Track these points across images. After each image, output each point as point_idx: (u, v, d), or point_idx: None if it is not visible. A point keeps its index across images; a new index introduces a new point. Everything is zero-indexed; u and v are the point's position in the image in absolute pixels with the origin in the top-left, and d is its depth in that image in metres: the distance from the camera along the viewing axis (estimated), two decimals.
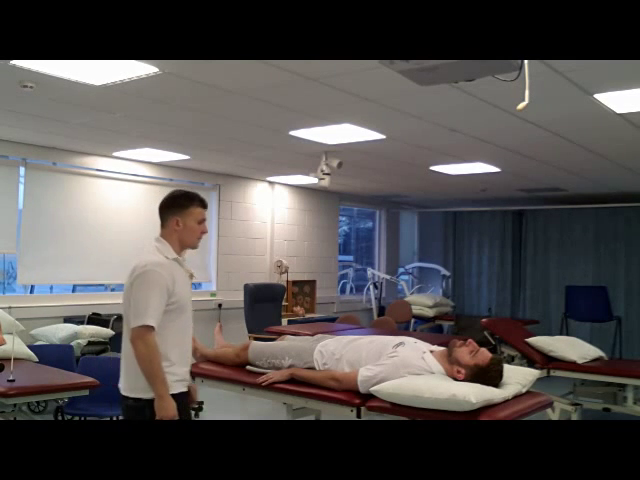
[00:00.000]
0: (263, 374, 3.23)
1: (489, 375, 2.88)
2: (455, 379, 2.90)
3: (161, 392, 2.40)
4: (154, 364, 2.40)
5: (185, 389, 2.55)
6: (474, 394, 2.58)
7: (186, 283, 2.60)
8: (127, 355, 2.51)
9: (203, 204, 2.64)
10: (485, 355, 2.95)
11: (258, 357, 3.38)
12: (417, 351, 3.07)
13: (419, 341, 3.22)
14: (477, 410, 2.58)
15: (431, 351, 3.10)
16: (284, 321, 6.93)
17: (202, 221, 2.62)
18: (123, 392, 2.52)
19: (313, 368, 3.19)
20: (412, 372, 2.90)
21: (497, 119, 4.16)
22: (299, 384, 3.12)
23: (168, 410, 2.39)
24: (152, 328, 2.39)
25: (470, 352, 2.95)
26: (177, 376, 2.49)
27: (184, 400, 2.54)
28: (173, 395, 2.44)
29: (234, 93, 3.71)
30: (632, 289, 8.42)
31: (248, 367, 3.40)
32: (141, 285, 2.44)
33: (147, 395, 2.42)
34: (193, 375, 3.48)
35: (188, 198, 2.61)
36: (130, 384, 2.49)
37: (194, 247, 2.66)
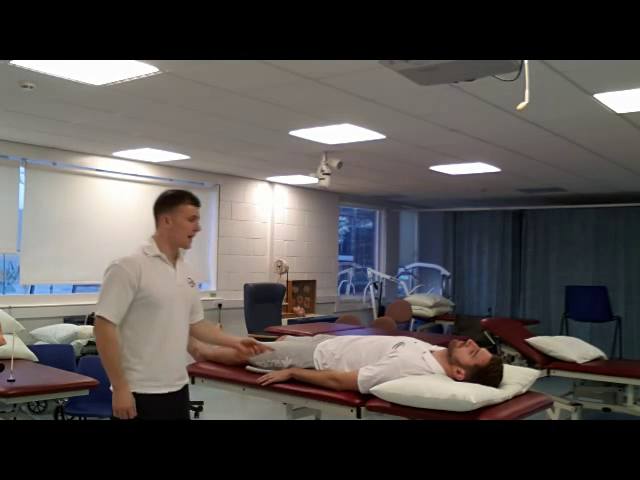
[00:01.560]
0: (263, 374, 3.23)
1: (489, 375, 2.88)
2: (455, 379, 2.90)
3: (115, 384, 2.43)
4: (106, 355, 2.44)
5: (159, 391, 2.50)
6: (474, 394, 2.58)
7: (166, 280, 2.56)
8: None
9: (194, 202, 2.62)
10: (485, 355, 2.95)
11: (258, 357, 3.38)
12: (417, 351, 3.07)
13: (419, 341, 3.22)
14: (477, 410, 2.57)
15: (431, 351, 3.10)
16: (284, 321, 6.92)
17: (193, 218, 2.60)
18: None
19: (313, 368, 3.19)
20: (412, 372, 2.90)
21: (497, 119, 4.16)
22: (299, 384, 3.12)
23: (119, 402, 2.41)
24: (106, 320, 2.44)
25: (470, 352, 2.95)
26: (143, 374, 2.48)
27: (157, 402, 2.49)
28: (137, 394, 2.44)
29: (234, 93, 3.71)
30: (632, 289, 8.41)
31: (248, 367, 3.39)
32: (104, 280, 2.51)
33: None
34: (193, 375, 3.50)
35: (178, 196, 2.61)
36: None
37: (185, 246, 2.63)
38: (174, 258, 2.63)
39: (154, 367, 2.50)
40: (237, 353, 3.49)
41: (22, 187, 5.61)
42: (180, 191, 2.66)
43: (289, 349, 3.34)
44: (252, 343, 2.89)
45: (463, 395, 2.56)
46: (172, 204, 2.59)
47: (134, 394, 2.44)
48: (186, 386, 2.69)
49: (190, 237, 2.61)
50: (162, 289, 2.53)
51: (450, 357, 3.00)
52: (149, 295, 2.48)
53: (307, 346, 3.33)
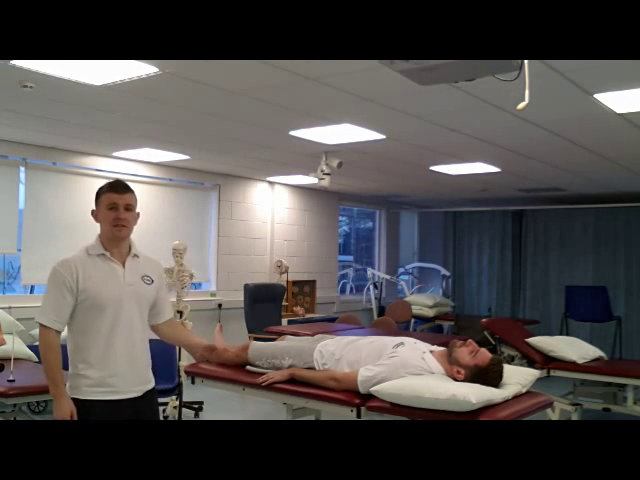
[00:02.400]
0: (263, 374, 3.23)
1: (489, 375, 2.88)
2: (455, 379, 2.90)
3: (53, 392, 2.32)
4: (44, 363, 2.34)
5: (110, 397, 2.37)
6: (474, 394, 2.58)
7: (112, 279, 2.41)
8: None
9: (113, 188, 2.43)
10: (485, 355, 2.95)
11: (258, 357, 3.38)
12: (417, 351, 3.07)
13: (419, 341, 3.22)
14: (477, 410, 2.57)
15: (431, 351, 3.10)
16: (284, 321, 6.93)
17: (113, 206, 2.41)
18: None
19: (313, 368, 3.19)
20: (412, 372, 2.90)
21: (497, 119, 4.16)
22: (299, 384, 3.12)
23: (59, 411, 2.30)
24: (45, 326, 2.32)
25: (470, 352, 2.95)
26: (91, 380, 2.35)
27: (110, 408, 2.36)
28: (84, 401, 2.33)
29: (234, 93, 3.71)
30: (632, 289, 8.42)
31: (248, 367, 3.39)
32: (46, 284, 2.39)
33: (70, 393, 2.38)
34: (193, 375, 3.50)
35: (102, 188, 2.48)
36: None
37: (117, 238, 2.44)
38: (125, 255, 2.48)
39: (104, 372, 2.36)
40: (237, 353, 3.51)
41: (22, 187, 5.62)
42: (107, 183, 2.50)
43: (289, 349, 3.34)
44: (213, 349, 2.78)
45: (463, 395, 2.56)
46: (97, 198, 2.49)
47: (84, 401, 2.33)
48: (149, 392, 2.52)
49: (116, 227, 2.42)
50: (106, 289, 2.38)
51: (450, 357, 3.00)
52: (90, 297, 2.35)
53: (307, 346, 3.33)
